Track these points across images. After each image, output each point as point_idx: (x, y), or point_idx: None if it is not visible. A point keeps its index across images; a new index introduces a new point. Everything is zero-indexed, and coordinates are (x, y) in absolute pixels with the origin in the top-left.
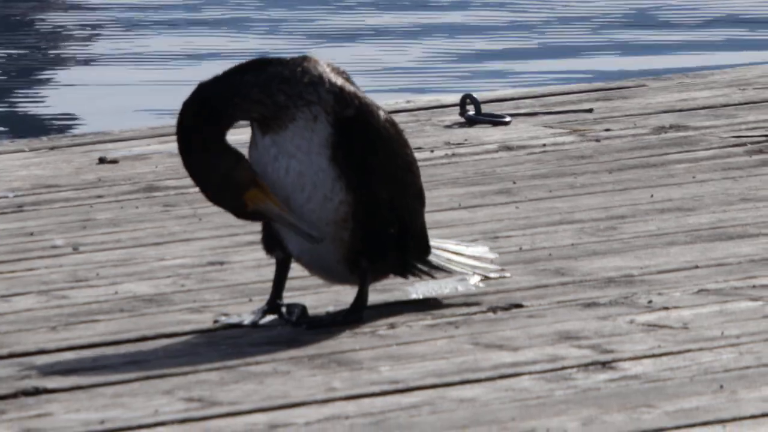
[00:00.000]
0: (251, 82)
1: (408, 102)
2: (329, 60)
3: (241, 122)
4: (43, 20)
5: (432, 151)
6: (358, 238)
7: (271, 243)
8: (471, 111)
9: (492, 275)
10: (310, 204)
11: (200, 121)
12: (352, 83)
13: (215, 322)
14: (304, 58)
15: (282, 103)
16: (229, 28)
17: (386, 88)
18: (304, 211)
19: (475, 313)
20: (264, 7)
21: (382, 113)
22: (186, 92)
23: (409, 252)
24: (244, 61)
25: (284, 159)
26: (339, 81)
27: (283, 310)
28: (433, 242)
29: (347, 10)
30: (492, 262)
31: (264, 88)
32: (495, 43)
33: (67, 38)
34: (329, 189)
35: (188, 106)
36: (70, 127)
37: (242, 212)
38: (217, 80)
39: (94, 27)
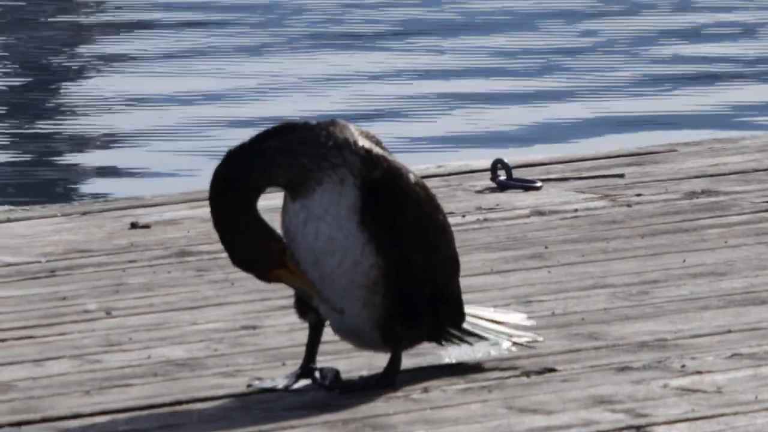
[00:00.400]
0: (274, 148)
1: (439, 167)
2: (357, 125)
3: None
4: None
5: (464, 216)
6: (390, 303)
7: (304, 307)
8: (502, 176)
9: (524, 341)
10: (340, 268)
11: (228, 191)
12: (383, 147)
13: (249, 386)
14: (331, 122)
15: (306, 166)
16: (267, 95)
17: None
18: (335, 276)
19: (508, 377)
20: (294, 74)
21: (412, 176)
22: (220, 156)
23: (444, 318)
24: (270, 126)
25: (313, 223)
26: (366, 144)
27: (317, 374)
28: (468, 309)
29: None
30: (528, 329)
31: (286, 152)
32: (526, 108)
33: (98, 106)
34: (359, 253)
35: (216, 175)
36: (102, 192)
37: (266, 280)
38: (242, 147)
39: (124, 99)
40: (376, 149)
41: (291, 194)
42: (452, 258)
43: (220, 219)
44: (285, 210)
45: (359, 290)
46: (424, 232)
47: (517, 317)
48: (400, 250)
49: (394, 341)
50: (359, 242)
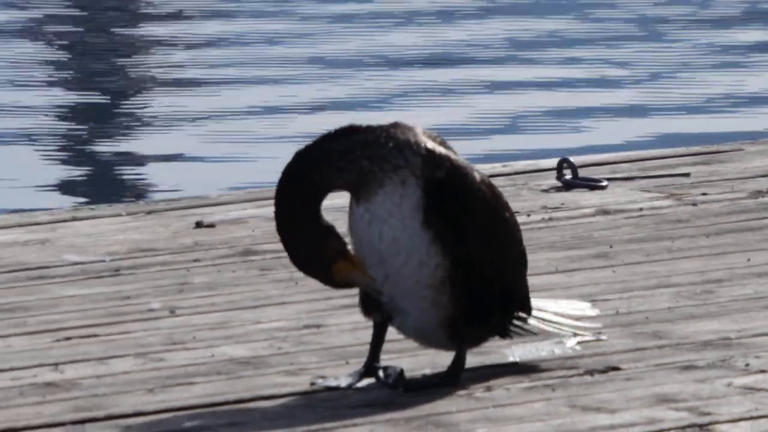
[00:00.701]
0: (336, 150)
1: (504, 166)
2: (421, 126)
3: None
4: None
5: (529, 215)
6: (457, 302)
7: (369, 306)
8: (568, 175)
9: (588, 336)
10: (406, 269)
11: (292, 192)
12: (447, 147)
13: (312, 384)
14: (393, 125)
15: (366, 169)
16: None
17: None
18: (400, 276)
19: (572, 376)
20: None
21: (477, 175)
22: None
23: (511, 315)
24: (335, 128)
25: (377, 225)
26: (428, 144)
27: (380, 372)
28: (533, 302)
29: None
30: (593, 319)
31: (347, 155)
32: (592, 103)
33: (168, 111)
34: (425, 253)
35: (283, 176)
36: (167, 191)
37: (330, 282)
38: (308, 148)
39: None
40: (439, 149)
41: (355, 197)
42: (520, 256)
43: (283, 218)
44: (351, 213)
45: (426, 290)
46: (492, 232)
47: (582, 306)
48: (466, 249)
49: (459, 340)
50: (424, 242)
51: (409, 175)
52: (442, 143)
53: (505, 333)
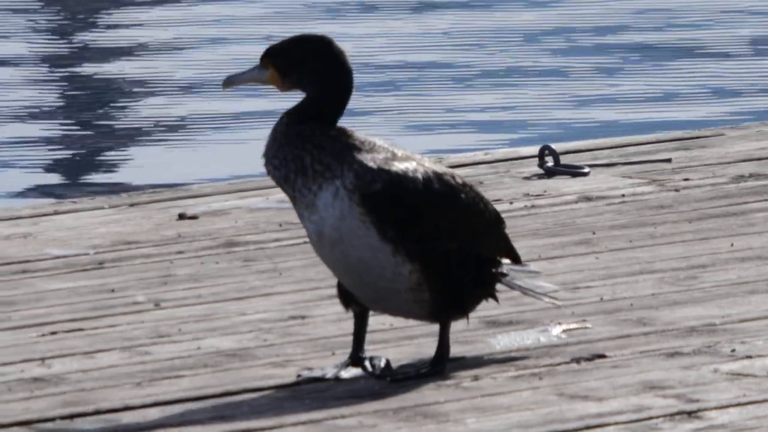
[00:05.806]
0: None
1: (486, 154)
2: (364, 133)
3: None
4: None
5: (511, 203)
6: (438, 293)
7: (348, 297)
8: (550, 162)
9: (574, 325)
10: (382, 282)
11: None
12: (393, 154)
13: (299, 376)
14: (343, 131)
15: (312, 167)
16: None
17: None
18: (379, 288)
19: (558, 364)
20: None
21: (419, 175)
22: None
23: (492, 277)
24: None
25: (337, 248)
26: (364, 157)
27: (366, 363)
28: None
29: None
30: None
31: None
32: (573, 91)
33: (149, 97)
34: (393, 264)
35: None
36: (149, 183)
37: None
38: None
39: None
40: (378, 159)
41: (294, 191)
42: (492, 222)
43: None
44: (310, 240)
45: (407, 293)
46: (451, 223)
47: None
48: (431, 247)
49: (441, 329)
50: (388, 255)
51: (341, 187)
52: (380, 151)
53: (490, 295)
